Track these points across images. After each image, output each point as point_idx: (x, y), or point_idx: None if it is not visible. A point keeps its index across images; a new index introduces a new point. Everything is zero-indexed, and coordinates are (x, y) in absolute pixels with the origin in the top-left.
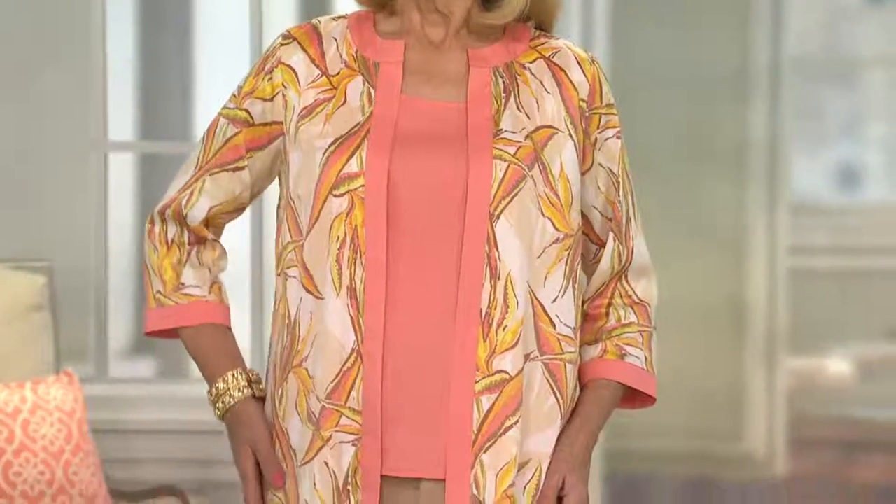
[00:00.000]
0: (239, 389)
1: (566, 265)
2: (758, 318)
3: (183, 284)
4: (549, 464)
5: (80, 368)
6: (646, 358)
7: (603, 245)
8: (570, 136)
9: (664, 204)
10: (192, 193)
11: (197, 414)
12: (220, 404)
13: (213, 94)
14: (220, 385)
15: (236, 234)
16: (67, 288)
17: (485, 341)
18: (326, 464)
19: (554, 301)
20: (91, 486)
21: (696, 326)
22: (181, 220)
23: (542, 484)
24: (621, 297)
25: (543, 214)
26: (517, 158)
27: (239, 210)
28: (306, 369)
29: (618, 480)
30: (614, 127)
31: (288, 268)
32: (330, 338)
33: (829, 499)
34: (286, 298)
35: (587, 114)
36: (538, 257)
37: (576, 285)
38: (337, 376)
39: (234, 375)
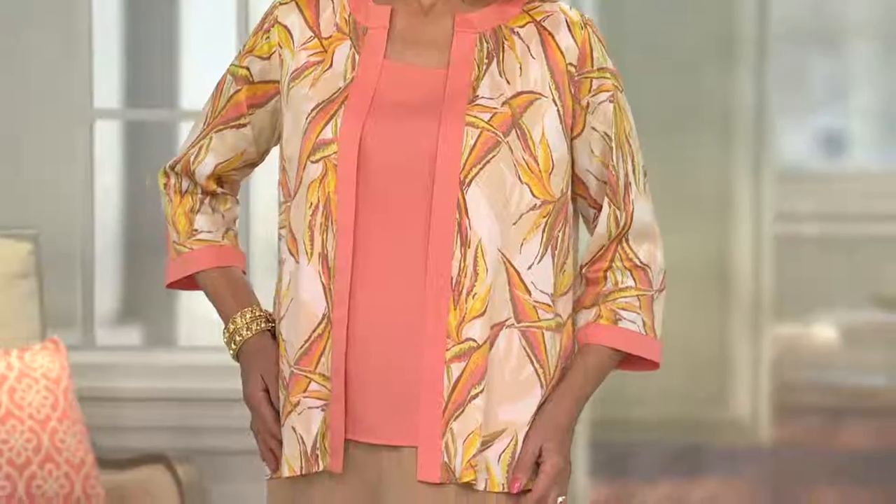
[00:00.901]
0: (248, 327)
1: (544, 232)
2: (743, 285)
3: (196, 230)
4: (528, 430)
5: (66, 336)
6: (644, 322)
7: (598, 208)
8: (554, 101)
9: (650, 171)
10: (199, 150)
11: (184, 382)
12: (233, 343)
13: (200, 61)
14: (231, 325)
15: None
16: (54, 255)
17: (455, 308)
18: (294, 429)
19: (530, 268)
20: (77, 453)
21: (682, 294)
22: (190, 175)
23: (517, 452)
24: (622, 260)
25: (521, 181)
26: (491, 125)
27: (249, 166)
28: (281, 332)
29: (604, 447)
30: (607, 90)
31: (281, 227)
32: (301, 304)
33: (814, 464)
34: (279, 258)
35: (576, 78)
36: (514, 224)
37: (556, 252)
38: (307, 342)
39: (245, 314)
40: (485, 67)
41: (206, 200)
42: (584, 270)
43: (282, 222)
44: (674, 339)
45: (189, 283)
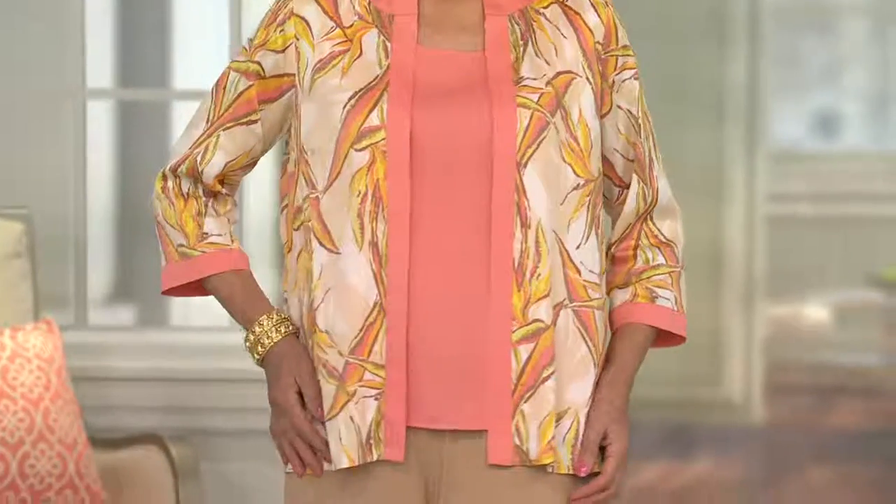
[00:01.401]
0: (276, 330)
1: (588, 211)
2: (736, 266)
3: (206, 234)
4: (589, 413)
5: (59, 316)
6: (676, 299)
7: (626, 187)
8: (588, 80)
9: None
10: (206, 149)
11: (177, 361)
12: (259, 347)
13: (192, 41)
14: (257, 329)
15: None
16: (46, 235)
17: (519, 290)
18: (352, 419)
19: (578, 248)
20: (70, 433)
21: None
22: (196, 176)
23: (580, 433)
24: (647, 237)
25: (565, 161)
26: (540, 106)
27: (252, 164)
28: (316, 323)
29: None
30: (631, 68)
31: (308, 221)
32: (352, 293)
33: (806, 443)
34: (310, 251)
35: (603, 56)
36: (561, 204)
37: (598, 231)
38: (360, 331)
39: (269, 317)
40: (521, 49)
41: (210, 203)
42: (612, 249)
43: (306, 215)
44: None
45: (190, 288)
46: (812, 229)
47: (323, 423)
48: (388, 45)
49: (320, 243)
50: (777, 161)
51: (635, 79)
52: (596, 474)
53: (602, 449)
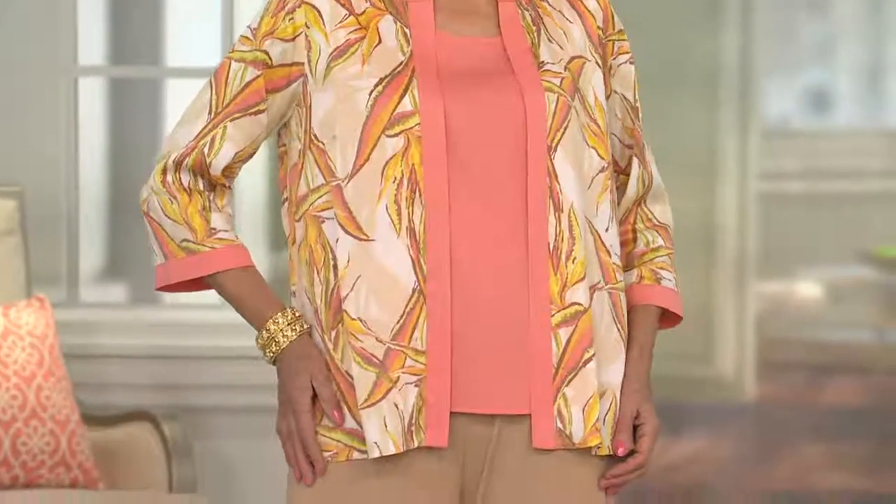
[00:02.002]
0: (291, 328)
1: (611, 194)
2: (728, 243)
3: (214, 230)
4: (622, 394)
5: (51, 293)
6: (675, 280)
7: (621, 171)
8: (597, 64)
9: None
10: (213, 141)
11: (169, 339)
12: (273, 345)
13: (185, 18)
14: (272, 327)
15: None
16: (38, 213)
17: (556, 274)
18: (396, 405)
19: (607, 230)
20: (63, 410)
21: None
22: (202, 169)
23: (617, 414)
24: (643, 221)
25: (588, 144)
26: (563, 90)
27: (253, 154)
28: (346, 311)
29: None
30: (626, 52)
31: (322, 210)
32: (390, 279)
33: (799, 420)
34: (324, 241)
35: (603, 41)
36: (588, 188)
37: (616, 214)
38: (401, 317)
39: (283, 316)
40: (536, 34)
41: (211, 197)
42: None
43: (322, 204)
44: None
45: (188, 283)
46: (805, 206)
47: (342, 426)
48: (408, 31)
49: (346, 231)
50: (769, 138)
51: (630, 63)
52: (631, 453)
53: (634, 428)
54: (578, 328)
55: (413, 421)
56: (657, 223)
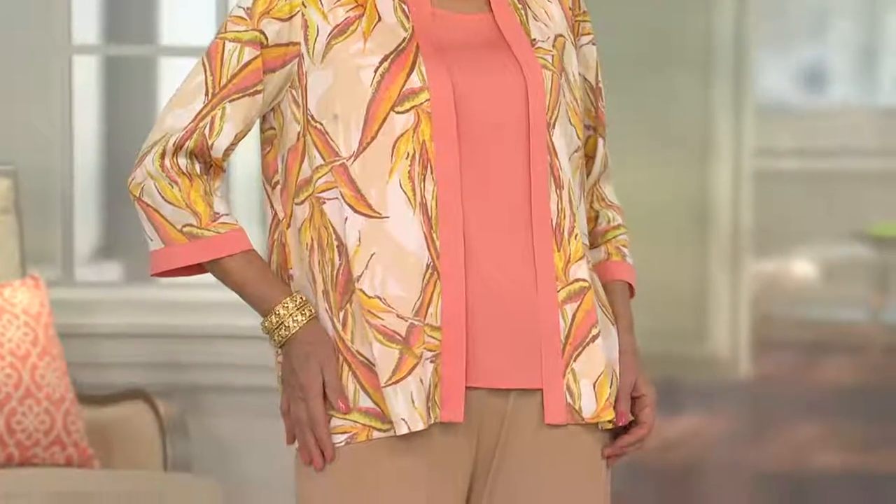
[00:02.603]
0: (300, 312)
1: (581, 175)
2: (722, 220)
3: (218, 214)
4: (619, 366)
5: (45, 272)
6: (631, 257)
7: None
8: (573, 44)
9: (628, 106)
10: (213, 122)
11: (163, 318)
12: (282, 330)
13: None
14: (281, 311)
15: None
16: (33, 191)
17: (559, 251)
18: (421, 381)
19: (578, 208)
20: (58, 389)
21: (661, 229)
22: (202, 150)
23: (617, 388)
24: (599, 200)
25: (571, 123)
26: (554, 67)
27: (247, 135)
28: (362, 290)
29: None
30: (589, 34)
31: (323, 191)
32: (406, 255)
33: (793, 399)
34: (326, 221)
35: (572, 22)
36: (569, 163)
37: (585, 194)
38: (420, 293)
39: (291, 300)
40: (523, 11)
41: (208, 181)
42: None
43: (324, 185)
44: (652, 275)
45: (186, 269)
46: (799, 184)
47: (344, 416)
48: (406, 7)
49: (355, 210)
50: (764, 116)
51: (593, 44)
52: (630, 423)
53: (633, 400)
54: (583, 304)
55: (430, 397)
56: (610, 202)
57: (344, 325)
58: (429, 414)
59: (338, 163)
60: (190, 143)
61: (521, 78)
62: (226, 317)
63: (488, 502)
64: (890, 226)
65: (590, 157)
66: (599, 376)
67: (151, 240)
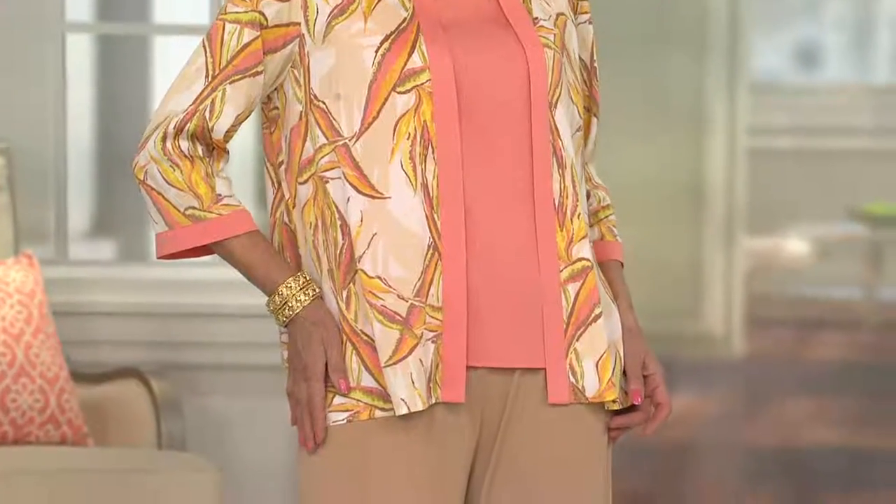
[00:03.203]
0: (304, 292)
1: (580, 153)
2: (717, 199)
3: (220, 196)
4: (625, 344)
5: (39, 250)
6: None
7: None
8: (573, 21)
9: (624, 84)
10: (213, 104)
11: (157, 296)
12: (286, 310)
13: None
14: (284, 291)
15: None
16: (26, 170)
17: (561, 230)
18: (421, 361)
19: (581, 188)
20: (52, 368)
21: (656, 206)
22: (203, 133)
23: (623, 367)
24: (588, 180)
25: (572, 101)
26: (556, 46)
27: (249, 116)
28: (363, 270)
29: None
30: (586, 13)
31: (327, 170)
32: (408, 236)
33: (786, 376)
34: (329, 201)
35: (572, 0)
36: (571, 142)
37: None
38: (421, 274)
39: (295, 280)
40: None
41: (211, 163)
42: None
43: (327, 164)
44: (646, 252)
45: (191, 250)
46: (793, 162)
47: (346, 395)
48: None
49: (357, 190)
50: (758, 94)
51: (589, 23)
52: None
53: (645, 378)
54: (587, 284)
55: (431, 377)
56: (597, 183)
57: (347, 304)
58: (430, 394)
59: (340, 143)
60: (190, 126)
61: (522, 57)
62: (220, 295)
63: (491, 482)
64: (884, 204)
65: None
66: (602, 355)
67: (156, 223)
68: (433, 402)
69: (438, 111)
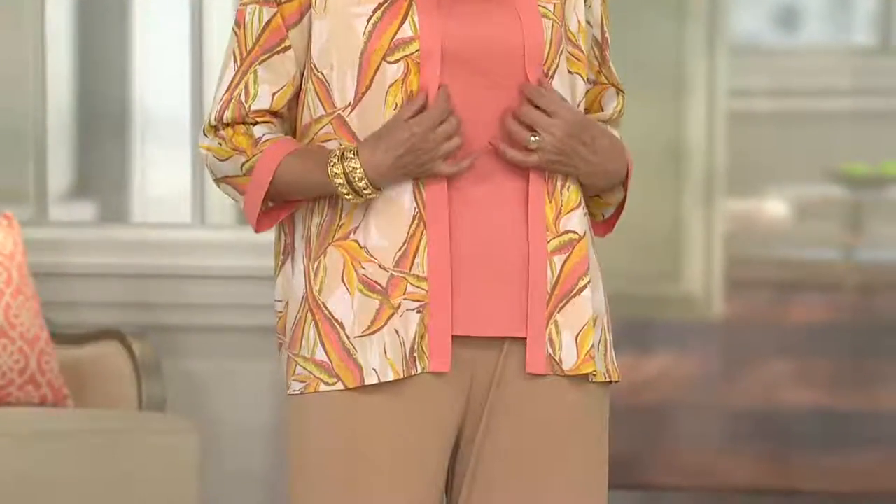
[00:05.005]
0: (346, 162)
1: None
2: (696, 161)
3: (259, 139)
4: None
5: (19, 211)
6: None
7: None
8: None
9: None
10: (246, 87)
11: (137, 258)
12: (358, 181)
13: None
14: (337, 178)
15: (177, 86)
16: (5, 130)
17: (550, 202)
18: (397, 332)
19: None
20: (32, 329)
21: (635, 169)
22: (242, 117)
23: (608, 341)
24: None
25: (572, 72)
26: (556, 17)
27: (297, 91)
28: (356, 241)
29: None
30: None
31: (325, 141)
32: (393, 206)
33: (766, 337)
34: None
35: None
36: None
37: None
38: (404, 244)
39: (330, 167)
40: None
41: (259, 123)
42: None
43: (324, 135)
44: (626, 216)
45: (280, 208)
46: (772, 124)
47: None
48: None
49: None
50: (738, 55)
51: None
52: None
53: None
54: (573, 256)
55: (415, 348)
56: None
57: (315, 275)
58: (414, 364)
59: (335, 114)
60: (228, 113)
61: (517, 27)
62: (200, 257)
63: (479, 449)
64: (863, 165)
65: (587, 111)
66: (583, 328)
67: (237, 201)
68: (419, 371)
69: (424, 83)
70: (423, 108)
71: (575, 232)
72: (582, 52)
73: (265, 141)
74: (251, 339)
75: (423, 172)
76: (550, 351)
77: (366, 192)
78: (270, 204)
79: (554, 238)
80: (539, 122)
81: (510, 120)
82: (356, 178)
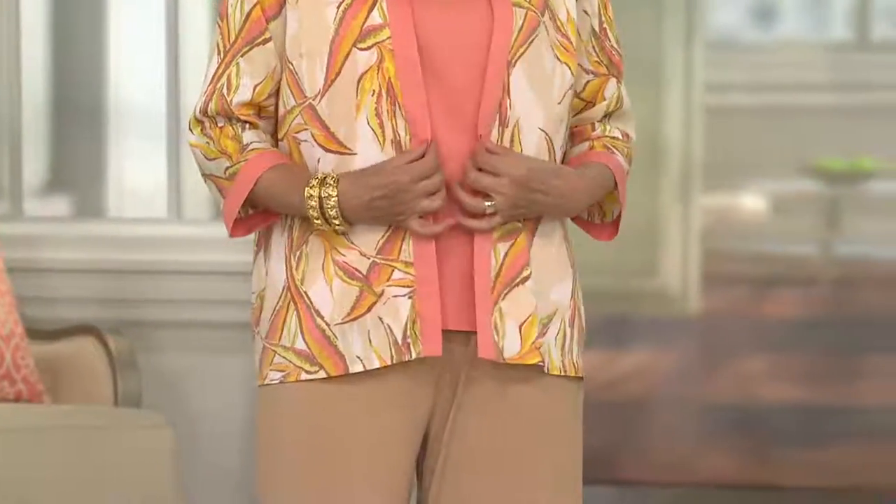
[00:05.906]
0: (326, 187)
1: (568, 114)
2: (673, 156)
3: (246, 145)
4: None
5: None
6: (626, 169)
7: (576, 95)
8: None
9: None
10: (228, 79)
11: (113, 253)
12: (330, 210)
13: None
14: (310, 202)
15: (154, 79)
16: None
17: None
18: (381, 319)
19: (561, 148)
20: (7, 324)
21: None
22: (227, 110)
23: (567, 335)
24: (603, 133)
25: (560, 60)
26: (532, 5)
27: (278, 86)
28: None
29: None
30: None
31: (297, 132)
32: None
33: (743, 332)
34: (304, 163)
35: None
36: (559, 103)
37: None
38: (388, 231)
39: (308, 188)
40: None
41: (246, 126)
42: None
43: (297, 126)
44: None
45: (257, 217)
46: (749, 119)
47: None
48: None
49: (325, 149)
50: (715, 49)
51: None
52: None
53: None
54: (515, 245)
55: (407, 334)
56: (616, 135)
57: (297, 264)
58: (407, 350)
59: (306, 104)
60: (212, 105)
61: (487, 13)
62: (176, 252)
63: (449, 440)
64: (840, 160)
65: (589, 102)
66: (527, 318)
67: (220, 202)
68: (413, 356)
69: (401, 69)
70: (418, 159)
71: (518, 222)
72: (571, 42)
73: (252, 150)
74: (227, 334)
75: (396, 222)
76: (496, 338)
77: (335, 221)
78: (251, 211)
79: (499, 226)
80: (488, 186)
81: (461, 192)
82: (328, 206)
